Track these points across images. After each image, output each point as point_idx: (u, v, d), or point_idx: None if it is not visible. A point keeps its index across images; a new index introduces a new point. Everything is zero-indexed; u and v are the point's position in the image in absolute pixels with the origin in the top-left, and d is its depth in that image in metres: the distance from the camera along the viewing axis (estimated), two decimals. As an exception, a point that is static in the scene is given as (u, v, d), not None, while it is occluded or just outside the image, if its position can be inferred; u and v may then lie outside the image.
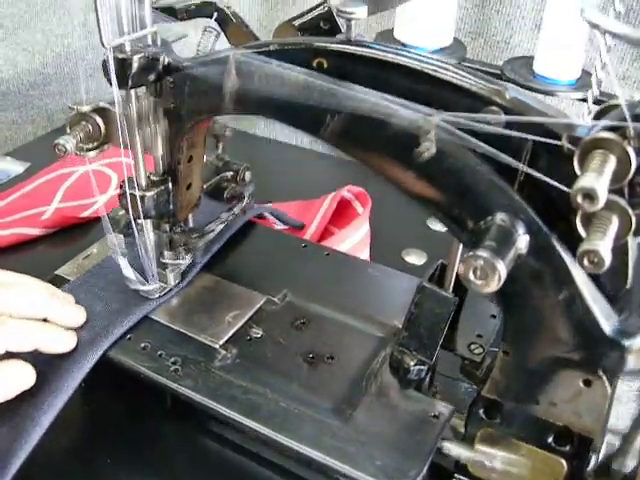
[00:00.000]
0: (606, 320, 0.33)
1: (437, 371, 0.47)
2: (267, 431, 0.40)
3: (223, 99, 0.37)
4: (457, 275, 0.43)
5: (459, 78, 0.32)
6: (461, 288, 0.44)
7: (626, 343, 0.33)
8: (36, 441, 0.40)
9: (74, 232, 0.71)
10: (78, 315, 0.45)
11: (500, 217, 0.31)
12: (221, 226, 0.49)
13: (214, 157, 0.50)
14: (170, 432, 0.49)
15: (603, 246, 0.28)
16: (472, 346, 0.46)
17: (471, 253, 0.29)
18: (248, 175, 0.50)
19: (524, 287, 0.33)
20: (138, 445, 0.48)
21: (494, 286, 0.30)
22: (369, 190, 0.73)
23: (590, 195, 0.26)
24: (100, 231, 0.56)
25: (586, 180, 0.27)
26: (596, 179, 0.27)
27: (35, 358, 0.42)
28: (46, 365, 0.43)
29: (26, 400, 0.41)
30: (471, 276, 0.30)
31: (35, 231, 0.70)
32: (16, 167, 0.83)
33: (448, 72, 0.33)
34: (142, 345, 0.45)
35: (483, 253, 0.29)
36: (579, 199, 0.27)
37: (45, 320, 0.43)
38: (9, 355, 0.41)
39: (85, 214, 0.73)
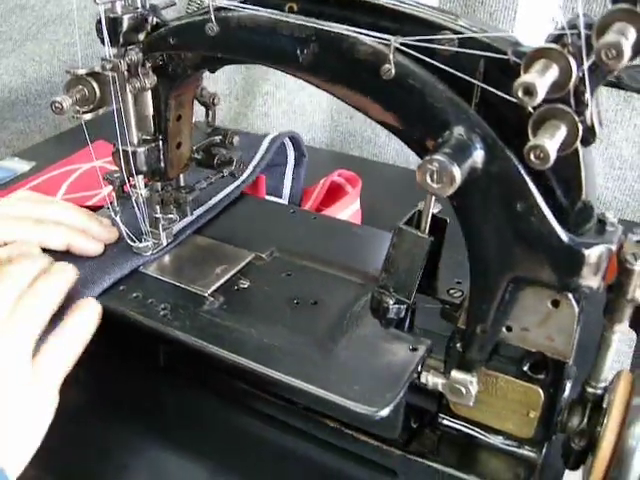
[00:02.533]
0: (563, 230, 0.34)
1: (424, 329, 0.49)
2: (248, 363, 0.41)
3: (206, 46, 0.40)
4: (432, 220, 0.45)
5: (416, 9, 0.35)
6: (437, 233, 0.46)
7: (585, 252, 0.34)
8: None
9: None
10: (111, 231, 0.51)
11: (457, 131, 0.34)
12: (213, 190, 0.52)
13: (204, 124, 0.53)
14: (162, 387, 0.51)
15: (549, 143, 0.30)
16: (451, 291, 0.48)
17: (428, 157, 0.31)
18: (236, 139, 0.52)
19: (483, 200, 0.35)
20: (132, 400, 0.50)
21: (449, 189, 0.32)
22: (362, 176, 0.76)
23: (529, 89, 0.29)
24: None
25: (527, 76, 0.29)
26: (536, 77, 0.29)
27: None
28: None
29: None
30: (428, 179, 0.32)
31: (40, 218, 0.72)
32: (23, 166, 0.87)
33: (406, 4, 0.35)
34: (134, 295, 0.48)
35: (439, 157, 0.31)
36: (520, 94, 0.29)
37: None
38: None
39: (89, 203, 0.76)
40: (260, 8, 0.38)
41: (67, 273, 0.44)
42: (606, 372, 0.40)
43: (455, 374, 0.41)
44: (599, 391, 0.40)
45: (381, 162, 0.92)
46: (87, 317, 0.43)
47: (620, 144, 0.81)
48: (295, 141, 0.71)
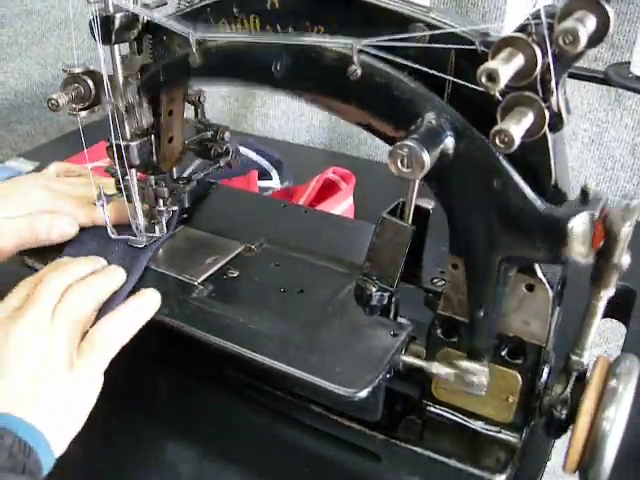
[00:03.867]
0: (542, 201, 0.35)
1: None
2: (233, 346, 0.43)
3: (192, 78, 0.43)
4: (416, 210, 0.46)
5: (387, 3, 0.37)
6: (420, 223, 0.47)
7: (569, 221, 0.34)
8: None
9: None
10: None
11: (428, 118, 0.35)
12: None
13: (196, 120, 0.55)
14: (156, 373, 0.53)
15: (514, 128, 0.32)
16: (435, 280, 0.49)
17: (398, 143, 0.33)
18: (227, 135, 0.54)
19: (461, 183, 0.36)
20: (127, 385, 0.51)
21: (419, 173, 0.33)
22: (357, 175, 0.77)
23: (492, 76, 0.30)
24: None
25: (490, 63, 0.30)
26: (499, 64, 0.30)
27: None
28: None
29: None
30: (399, 164, 0.33)
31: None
32: (27, 166, 0.89)
33: (380, -1, 0.37)
34: (127, 284, 0.49)
35: (408, 142, 0.33)
36: (483, 79, 0.30)
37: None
38: None
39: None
40: (234, 35, 0.40)
41: (117, 275, 0.48)
42: (591, 340, 0.40)
43: (466, 364, 0.41)
44: (584, 360, 0.40)
45: (375, 161, 0.93)
46: (143, 306, 0.45)
47: (611, 144, 0.82)
48: (259, 150, 0.76)
